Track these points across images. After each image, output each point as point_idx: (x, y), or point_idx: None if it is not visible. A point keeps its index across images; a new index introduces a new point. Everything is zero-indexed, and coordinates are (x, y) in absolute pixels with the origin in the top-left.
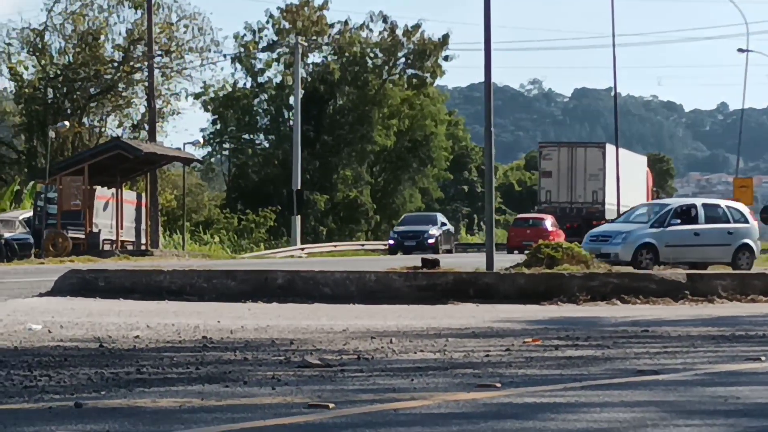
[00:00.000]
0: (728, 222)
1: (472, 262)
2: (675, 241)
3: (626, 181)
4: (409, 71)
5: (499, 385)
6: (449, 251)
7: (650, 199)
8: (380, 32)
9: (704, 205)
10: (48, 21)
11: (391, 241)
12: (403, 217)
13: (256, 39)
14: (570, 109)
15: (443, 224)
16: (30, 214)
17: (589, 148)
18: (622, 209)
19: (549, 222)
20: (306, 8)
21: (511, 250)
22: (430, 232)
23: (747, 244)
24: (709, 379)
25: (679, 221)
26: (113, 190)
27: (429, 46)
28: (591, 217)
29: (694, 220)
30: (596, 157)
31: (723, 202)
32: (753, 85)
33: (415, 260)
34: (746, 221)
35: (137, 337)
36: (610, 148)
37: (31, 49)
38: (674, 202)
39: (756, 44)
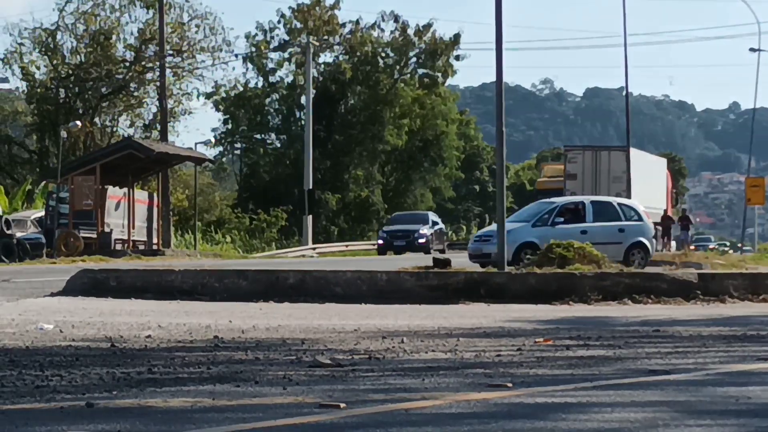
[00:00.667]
0: (620, 220)
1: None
2: (559, 239)
3: (646, 183)
4: (421, 71)
5: (510, 385)
6: (441, 251)
7: (671, 201)
8: (391, 32)
9: (593, 203)
10: (60, 21)
11: (380, 241)
12: (392, 215)
13: (268, 39)
14: (581, 109)
15: (435, 223)
16: (42, 213)
17: (613, 152)
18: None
19: None
20: (317, 8)
21: None
22: (421, 231)
23: (640, 242)
24: (720, 379)
25: (563, 219)
26: (125, 189)
27: (440, 45)
28: None
29: (582, 218)
30: (620, 160)
31: (615, 200)
32: (765, 85)
33: (409, 260)
34: (639, 219)
35: (149, 336)
36: (634, 152)
37: (42, 49)
38: (560, 200)
39: None
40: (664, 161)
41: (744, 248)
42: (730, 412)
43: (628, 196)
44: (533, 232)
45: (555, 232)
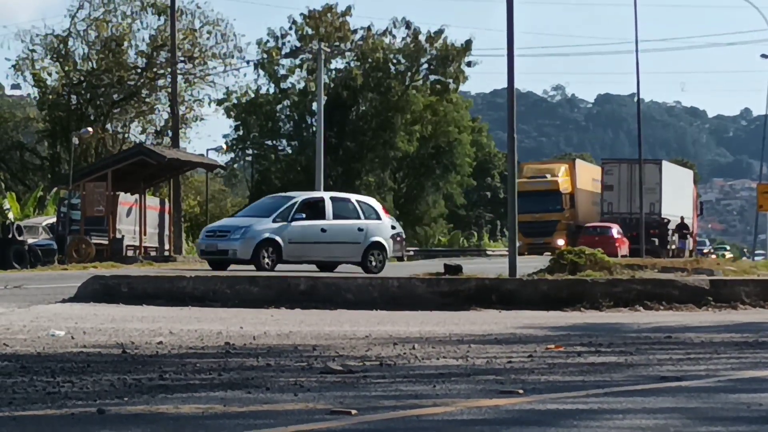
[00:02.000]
0: (359, 218)
1: (495, 268)
2: (300, 237)
3: (676, 194)
4: (432, 77)
5: (521, 391)
6: (399, 258)
7: (696, 210)
8: (403, 38)
9: (333, 199)
10: (71, 27)
11: None
12: None
13: (279, 45)
14: (593, 115)
15: (393, 227)
16: (53, 220)
17: (647, 165)
18: (667, 218)
19: (615, 230)
20: (329, 14)
21: None
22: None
23: (378, 243)
24: (732, 386)
25: (304, 216)
26: (136, 196)
27: (452, 51)
28: (648, 226)
29: (322, 214)
30: (653, 172)
31: (353, 197)
32: None
33: (421, 266)
34: (378, 217)
35: (160, 343)
36: (665, 164)
37: (54, 56)
38: (300, 194)
39: None
40: (690, 173)
41: (756, 254)
42: (741, 419)
43: (660, 206)
44: (273, 228)
45: (295, 230)
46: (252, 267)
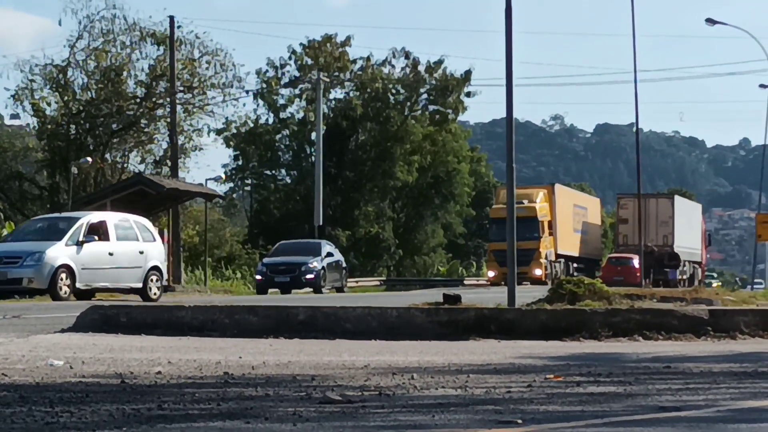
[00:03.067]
0: (137, 240)
1: (494, 298)
2: (91, 262)
3: (687, 226)
4: (432, 107)
5: (520, 421)
6: (339, 289)
7: (704, 242)
8: (402, 68)
9: (116, 220)
10: (70, 57)
11: (259, 276)
12: (278, 244)
13: (279, 75)
14: (592, 145)
15: (329, 254)
16: None
17: (660, 199)
18: (679, 250)
19: (635, 261)
20: (328, 44)
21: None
22: (310, 264)
23: (157, 267)
24: (731, 416)
25: (96, 237)
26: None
27: (451, 82)
28: (662, 257)
29: (107, 236)
30: (666, 206)
31: (131, 217)
32: None
33: (420, 296)
34: (153, 239)
35: (159, 373)
36: (677, 199)
37: (53, 85)
38: (82, 214)
39: None
40: (699, 207)
41: (755, 282)
42: None
43: (674, 239)
44: (68, 253)
45: (86, 254)
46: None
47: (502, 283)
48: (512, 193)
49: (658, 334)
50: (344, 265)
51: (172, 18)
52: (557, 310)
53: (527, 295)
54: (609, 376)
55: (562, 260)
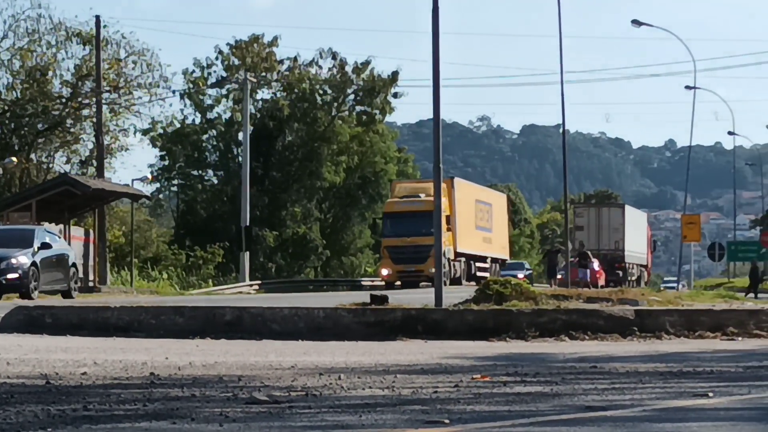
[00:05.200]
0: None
1: (421, 298)
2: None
3: (633, 232)
4: (359, 108)
5: (447, 421)
6: (65, 293)
7: (650, 247)
8: (329, 69)
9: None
10: None
11: None
12: None
13: (205, 75)
14: (519, 146)
15: (46, 246)
16: None
17: (612, 208)
18: (627, 254)
19: (596, 264)
20: (255, 44)
21: (572, 285)
22: (14, 260)
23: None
24: (657, 416)
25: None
26: (61, 226)
27: (378, 82)
28: (613, 260)
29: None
30: (617, 215)
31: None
32: (700, 123)
33: (349, 296)
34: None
35: (84, 373)
36: (627, 208)
37: None
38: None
39: (703, 81)
40: (645, 215)
41: (666, 281)
42: None
43: (624, 244)
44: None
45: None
46: None
47: (397, 282)
48: (439, 193)
49: (584, 334)
50: (73, 260)
51: (98, 18)
52: (484, 310)
53: (454, 295)
54: (535, 376)
55: (463, 259)
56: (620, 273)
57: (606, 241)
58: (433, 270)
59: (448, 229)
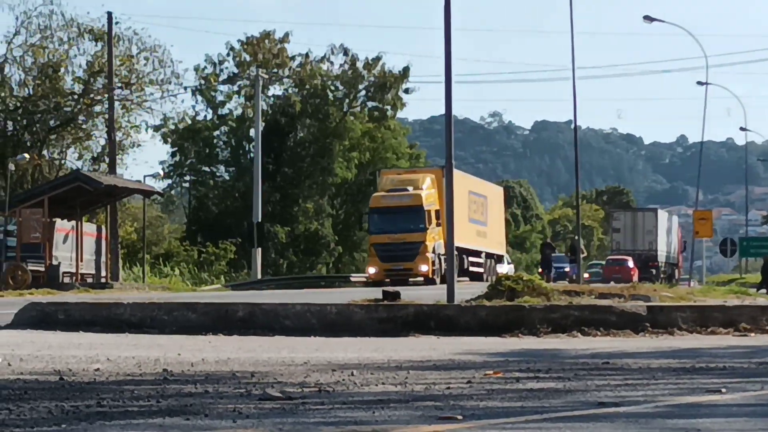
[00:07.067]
0: None
1: (433, 294)
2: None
3: (668, 235)
4: (370, 104)
5: (460, 417)
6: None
7: (680, 247)
8: (341, 65)
9: None
10: (7, 53)
11: None
12: None
13: (217, 71)
14: (530, 142)
15: None
16: None
17: (647, 212)
18: (659, 254)
19: (630, 262)
20: (267, 41)
21: (606, 281)
22: None
23: None
24: (669, 411)
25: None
26: (73, 222)
27: (390, 78)
28: (647, 259)
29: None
30: (651, 218)
31: None
32: (712, 118)
33: (360, 293)
34: None
35: (97, 370)
36: (660, 212)
37: None
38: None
39: (715, 77)
40: (676, 218)
41: (682, 279)
42: None
43: (656, 245)
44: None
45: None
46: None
47: (387, 280)
48: (451, 191)
49: (596, 330)
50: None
51: (110, 14)
52: (496, 306)
53: (466, 291)
54: (548, 372)
55: (455, 253)
56: (653, 271)
57: (640, 242)
58: (423, 268)
59: (438, 224)
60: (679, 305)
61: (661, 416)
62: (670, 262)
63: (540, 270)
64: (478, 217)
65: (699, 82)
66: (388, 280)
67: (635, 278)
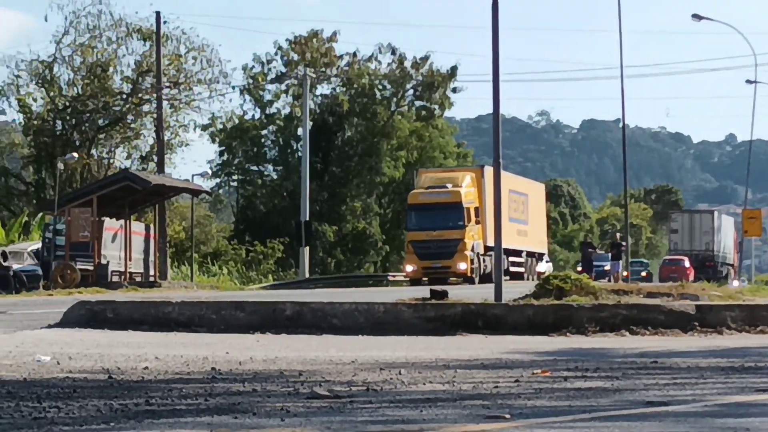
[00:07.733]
0: None
1: (481, 293)
2: None
3: (724, 236)
4: (418, 103)
5: (508, 416)
6: None
7: (736, 248)
8: (389, 64)
9: None
10: (57, 53)
11: None
12: None
13: (265, 71)
14: (578, 141)
15: None
16: (38, 245)
17: (703, 214)
18: (716, 254)
19: (686, 262)
20: (315, 40)
21: (663, 281)
22: None
23: None
24: (718, 411)
25: None
26: (122, 221)
27: (437, 77)
28: (704, 259)
29: None
30: (708, 220)
31: None
32: (761, 117)
33: (407, 292)
34: None
35: (146, 368)
36: (716, 214)
37: (39, 81)
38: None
39: (764, 75)
40: (732, 219)
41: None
42: None
43: (713, 245)
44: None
45: None
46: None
47: (424, 279)
48: (499, 189)
49: (644, 329)
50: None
51: (158, 13)
52: (544, 305)
53: (514, 290)
54: (596, 371)
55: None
56: (710, 270)
57: (698, 243)
58: (461, 266)
59: (477, 222)
60: (728, 304)
61: (709, 415)
62: (726, 262)
63: (579, 269)
64: (518, 216)
65: (748, 81)
66: (425, 279)
67: (691, 278)
